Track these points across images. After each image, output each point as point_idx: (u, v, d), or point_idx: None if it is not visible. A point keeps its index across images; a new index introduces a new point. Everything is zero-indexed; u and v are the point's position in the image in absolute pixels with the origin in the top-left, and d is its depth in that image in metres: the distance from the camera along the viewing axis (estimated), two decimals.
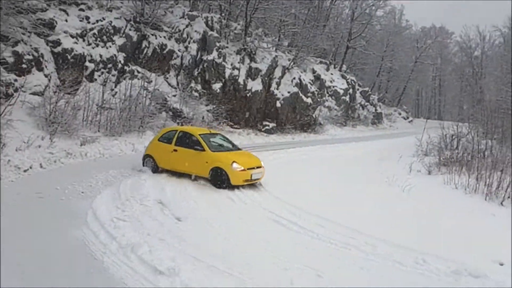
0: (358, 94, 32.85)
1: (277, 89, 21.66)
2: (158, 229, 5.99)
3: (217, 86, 19.09)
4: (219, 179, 8.87)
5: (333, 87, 28.89)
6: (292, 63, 22.98)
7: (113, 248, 5.15)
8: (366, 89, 35.69)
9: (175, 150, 9.42)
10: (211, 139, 9.82)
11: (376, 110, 35.08)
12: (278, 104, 21.44)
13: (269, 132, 20.97)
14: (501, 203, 9.82)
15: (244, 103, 20.19)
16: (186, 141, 9.53)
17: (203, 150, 9.12)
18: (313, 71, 26.94)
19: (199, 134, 9.59)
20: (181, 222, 6.51)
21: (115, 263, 4.78)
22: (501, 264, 5.92)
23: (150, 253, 4.95)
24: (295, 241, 6.10)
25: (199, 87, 18.87)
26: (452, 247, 6.10)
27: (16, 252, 4.83)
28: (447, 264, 5.40)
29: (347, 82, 30.79)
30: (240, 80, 19.86)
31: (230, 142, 10.50)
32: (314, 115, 24.23)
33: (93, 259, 4.89)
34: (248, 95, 20.14)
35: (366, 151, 17.58)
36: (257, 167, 9.28)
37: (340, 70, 32.13)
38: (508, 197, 10.10)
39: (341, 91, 29.37)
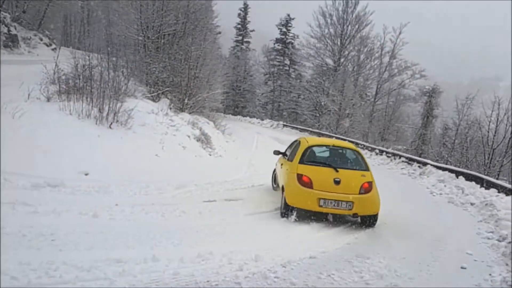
0: None
1: None
2: None
3: None
4: None
5: None
6: None
7: None
8: None
9: None
10: None
11: (9, 31, 30.22)
12: None
13: None
14: (110, 126, 11.50)
15: None
16: None
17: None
18: None
19: None
20: None
21: None
22: (86, 174, 7.12)
23: None
24: None
25: None
26: (42, 166, 6.63)
27: None
28: (29, 180, 5.85)
29: None
30: None
31: None
32: None
33: None
34: None
35: None
36: None
37: None
38: (117, 121, 12.02)
39: None
